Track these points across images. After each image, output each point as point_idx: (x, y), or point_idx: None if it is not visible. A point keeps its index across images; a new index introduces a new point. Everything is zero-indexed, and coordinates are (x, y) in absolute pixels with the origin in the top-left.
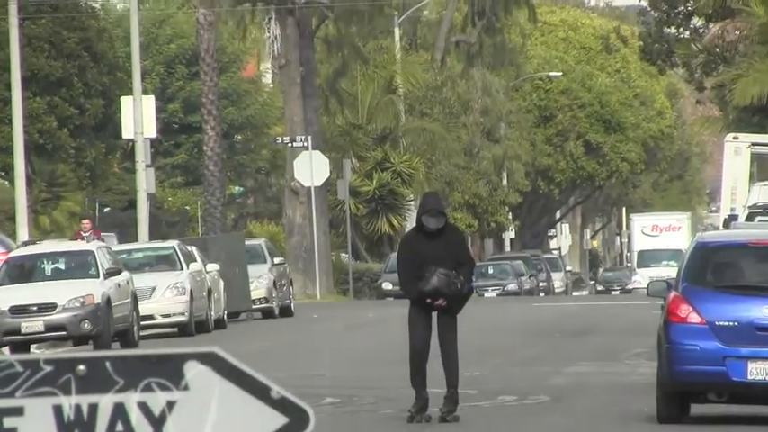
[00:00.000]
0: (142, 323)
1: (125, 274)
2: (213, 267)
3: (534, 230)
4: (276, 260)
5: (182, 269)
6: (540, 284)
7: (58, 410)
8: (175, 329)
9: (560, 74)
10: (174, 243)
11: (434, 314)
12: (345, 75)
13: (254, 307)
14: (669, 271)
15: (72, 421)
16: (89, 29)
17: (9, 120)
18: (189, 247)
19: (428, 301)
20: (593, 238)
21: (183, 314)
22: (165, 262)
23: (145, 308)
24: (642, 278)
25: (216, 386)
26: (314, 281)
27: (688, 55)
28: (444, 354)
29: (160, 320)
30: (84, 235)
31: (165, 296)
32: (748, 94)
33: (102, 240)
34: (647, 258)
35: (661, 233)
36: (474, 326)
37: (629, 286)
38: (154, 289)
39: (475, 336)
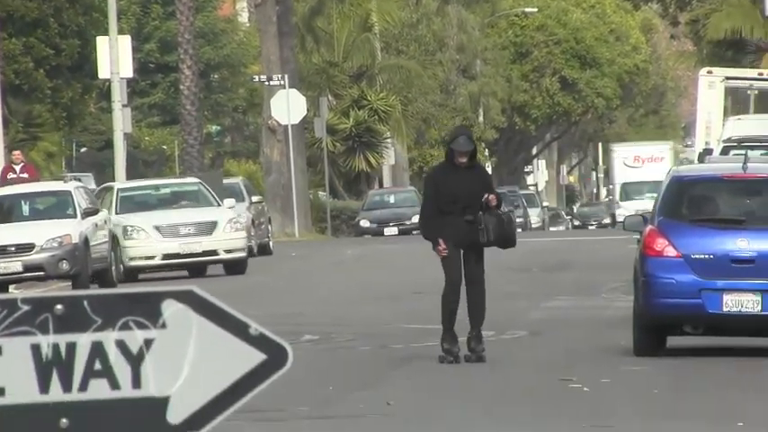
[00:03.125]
0: (204, 258)
1: (103, 214)
2: None
3: (511, 167)
4: (254, 199)
5: (219, 205)
6: (517, 220)
7: (36, 350)
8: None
9: (535, 10)
10: (197, 180)
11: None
12: (321, 13)
13: None
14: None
15: (50, 360)
16: None
17: None
18: None
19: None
20: (569, 173)
21: (243, 250)
22: (193, 198)
23: (207, 243)
24: (627, 211)
25: (194, 324)
26: (292, 219)
27: None
28: (471, 292)
29: (223, 256)
30: (14, 167)
31: (225, 231)
32: (722, 28)
33: (35, 176)
34: (631, 191)
35: (643, 164)
36: None
37: (619, 219)
38: (215, 224)
39: None
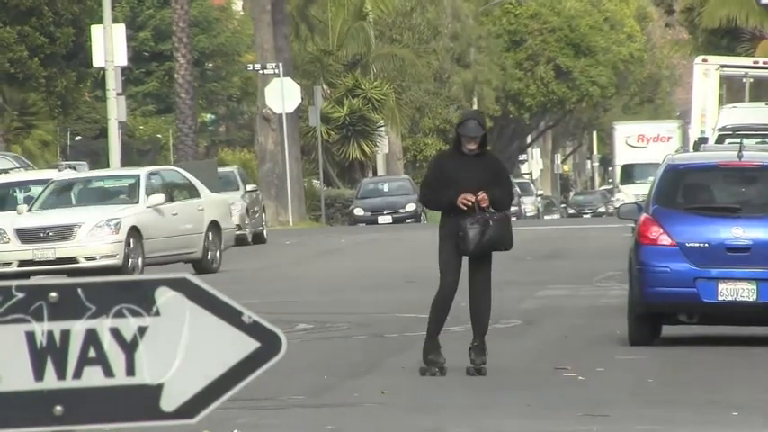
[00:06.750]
0: (60, 266)
1: None
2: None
3: (505, 155)
4: (249, 187)
5: (137, 202)
6: (512, 209)
7: (30, 337)
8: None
9: None
10: (141, 171)
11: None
12: (315, 1)
13: None
14: None
15: (45, 347)
16: None
17: None
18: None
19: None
20: (563, 162)
21: (111, 256)
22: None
23: (63, 250)
24: (626, 196)
25: (187, 311)
26: (286, 207)
27: None
28: (475, 299)
29: (83, 264)
30: None
31: (90, 235)
32: (716, 16)
33: None
34: (632, 173)
35: (648, 144)
36: None
37: (615, 205)
38: (77, 227)
39: None
